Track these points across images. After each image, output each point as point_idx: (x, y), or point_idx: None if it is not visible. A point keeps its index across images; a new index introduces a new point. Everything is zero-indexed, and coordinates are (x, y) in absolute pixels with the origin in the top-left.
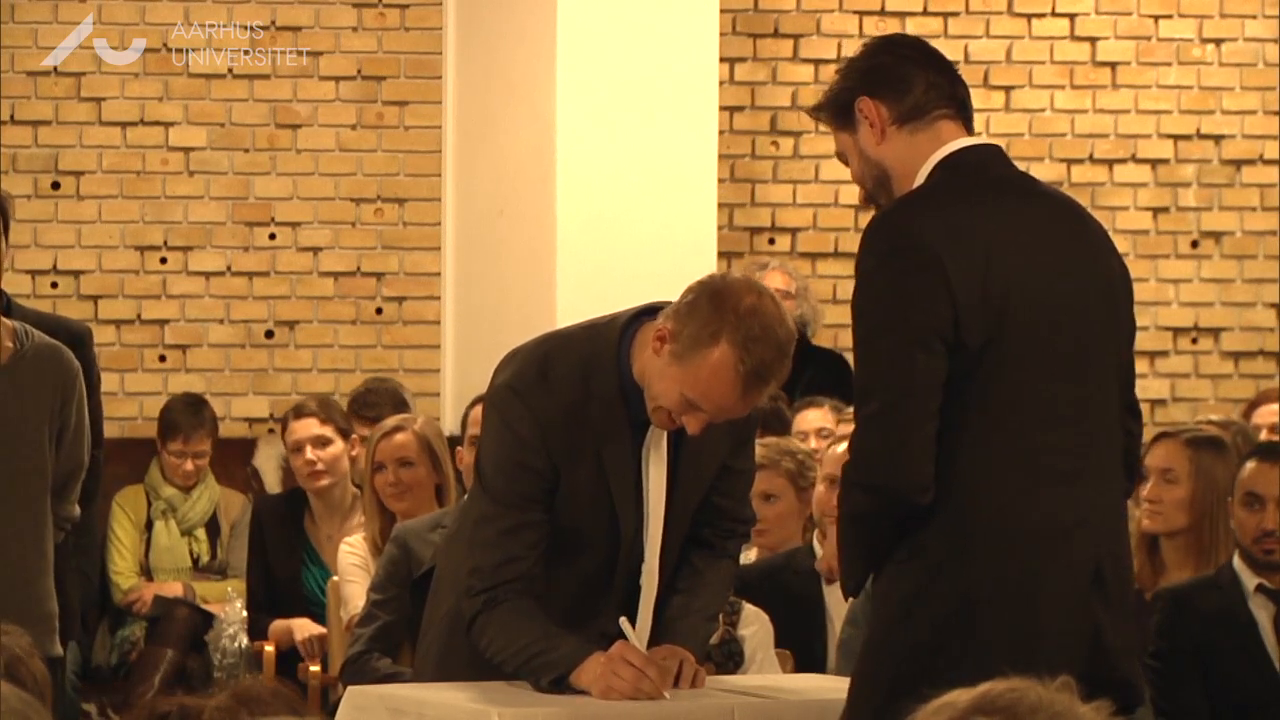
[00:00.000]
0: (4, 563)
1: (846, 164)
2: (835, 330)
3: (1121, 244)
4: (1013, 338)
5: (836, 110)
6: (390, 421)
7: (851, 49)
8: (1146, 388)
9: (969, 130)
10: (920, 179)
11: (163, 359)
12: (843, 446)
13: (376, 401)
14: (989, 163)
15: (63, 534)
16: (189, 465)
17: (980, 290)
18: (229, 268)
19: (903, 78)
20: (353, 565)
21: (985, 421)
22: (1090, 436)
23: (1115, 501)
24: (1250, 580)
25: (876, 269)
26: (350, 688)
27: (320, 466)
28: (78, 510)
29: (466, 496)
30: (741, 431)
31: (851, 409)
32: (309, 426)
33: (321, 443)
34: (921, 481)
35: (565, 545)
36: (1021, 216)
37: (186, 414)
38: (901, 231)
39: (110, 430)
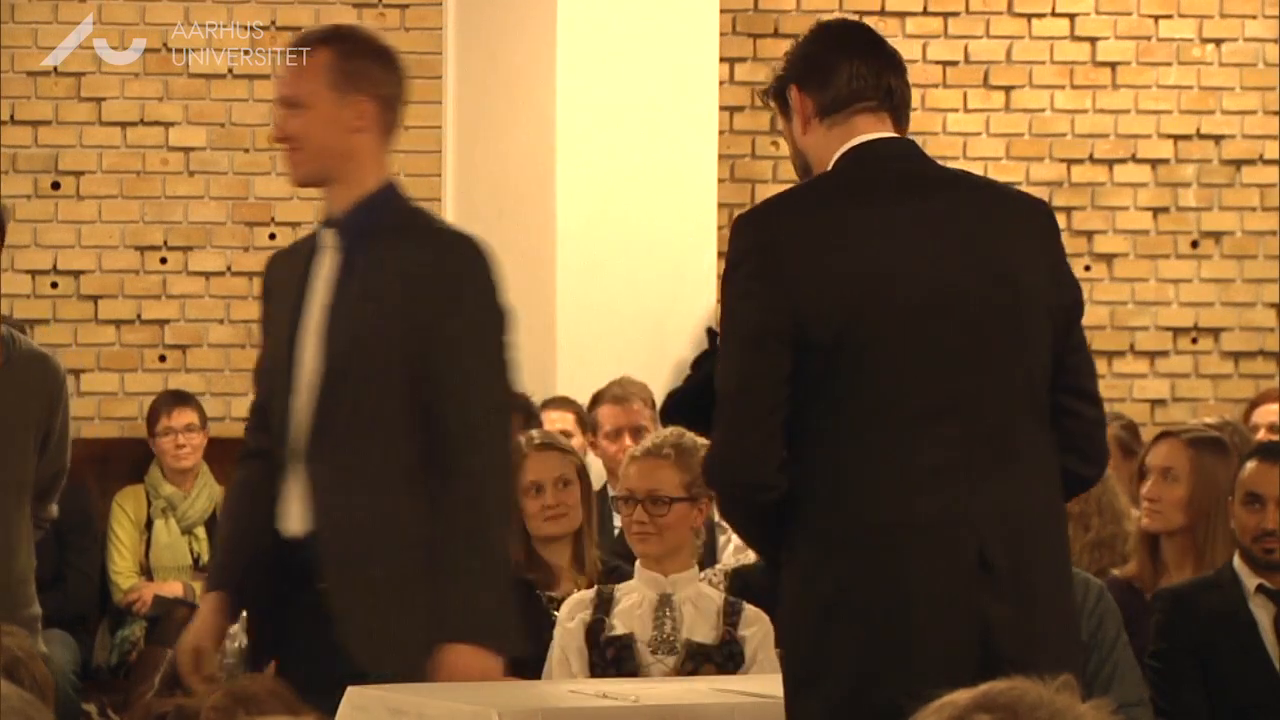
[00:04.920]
0: None
1: None
2: None
3: (1121, 244)
4: (872, 333)
5: (777, 98)
6: None
7: None
8: (1146, 388)
9: (897, 121)
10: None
11: (163, 359)
12: None
13: None
14: (887, 156)
15: (41, 534)
16: (179, 441)
17: (827, 288)
18: (229, 268)
19: (826, 69)
20: None
21: (846, 419)
22: (980, 427)
23: (1019, 492)
24: (1250, 580)
25: (728, 271)
26: (350, 688)
27: None
28: (56, 510)
29: None
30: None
31: None
32: None
33: None
34: (757, 480)
35: (271, 391)
36: (899, 211)
37: (165, 398)
38: (749, 233)
39: (110, 430)
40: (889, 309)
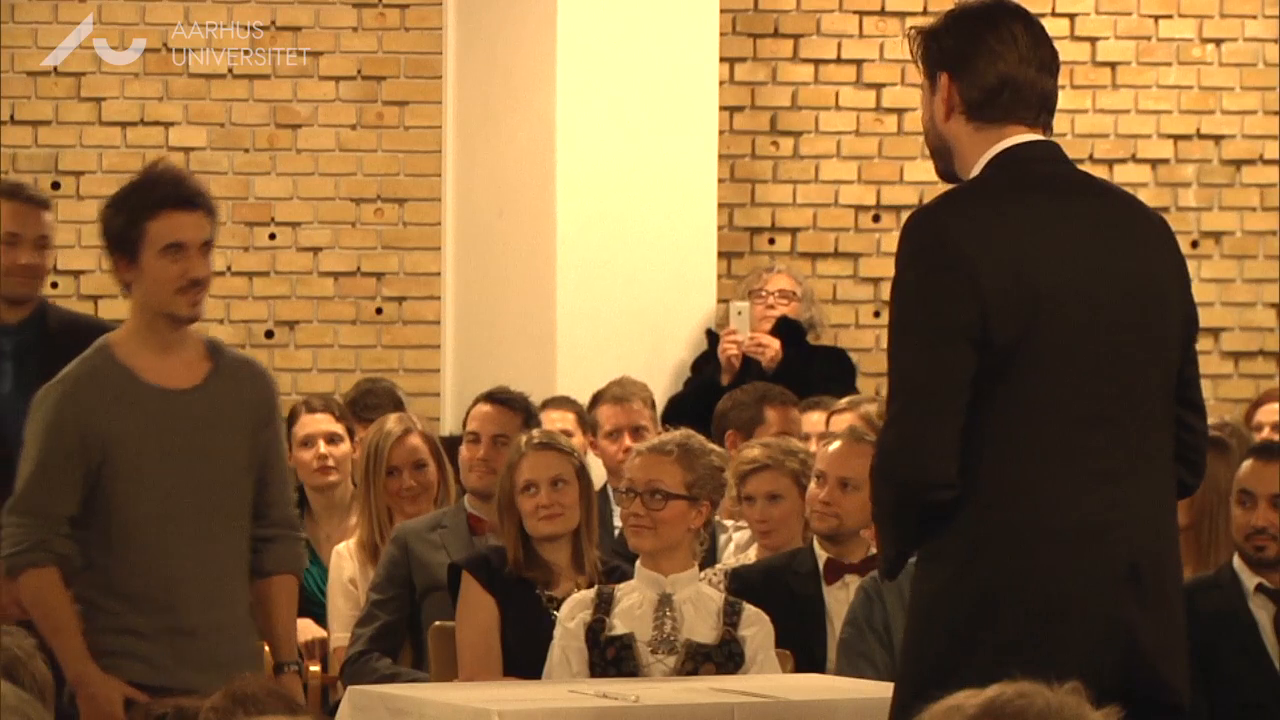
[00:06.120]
0: (217, 603)
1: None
2: (836, 330)
3: None
4: (1045, 337)
5: (924, 63)
6: (394, 426)
7: (851, 49)
8: None
9: (1044, 125)
10: (975, 171)
11: None
12: (834, 445)
13: (378, 403)
14: (1039, 160)
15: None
16: None
17: (1010, 289)
18: (229, 268)
19: (981, 70)
20: (339, 580)
21: (1016, 420)
22: (1132, 435)
23: (1159, 501)
24: (1250, 580)
25: (906, 267)
26: (350, 688)
27: (331, 463)
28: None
29: None
30: None
31: (843, 402)
32: (322, 422)
33: (333, 439)
34: (940, 478)
35: None
36: (1059, 215)
37: None
38: (931, 230)
39: None
40: (1058, 314)
